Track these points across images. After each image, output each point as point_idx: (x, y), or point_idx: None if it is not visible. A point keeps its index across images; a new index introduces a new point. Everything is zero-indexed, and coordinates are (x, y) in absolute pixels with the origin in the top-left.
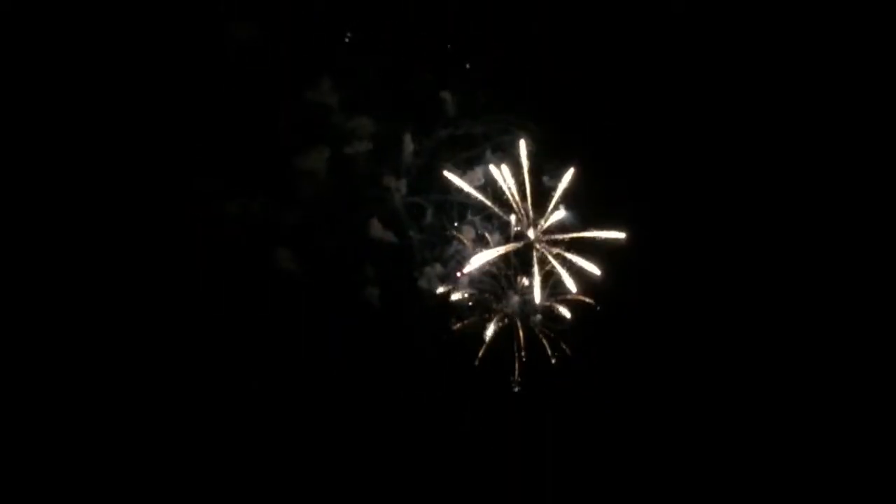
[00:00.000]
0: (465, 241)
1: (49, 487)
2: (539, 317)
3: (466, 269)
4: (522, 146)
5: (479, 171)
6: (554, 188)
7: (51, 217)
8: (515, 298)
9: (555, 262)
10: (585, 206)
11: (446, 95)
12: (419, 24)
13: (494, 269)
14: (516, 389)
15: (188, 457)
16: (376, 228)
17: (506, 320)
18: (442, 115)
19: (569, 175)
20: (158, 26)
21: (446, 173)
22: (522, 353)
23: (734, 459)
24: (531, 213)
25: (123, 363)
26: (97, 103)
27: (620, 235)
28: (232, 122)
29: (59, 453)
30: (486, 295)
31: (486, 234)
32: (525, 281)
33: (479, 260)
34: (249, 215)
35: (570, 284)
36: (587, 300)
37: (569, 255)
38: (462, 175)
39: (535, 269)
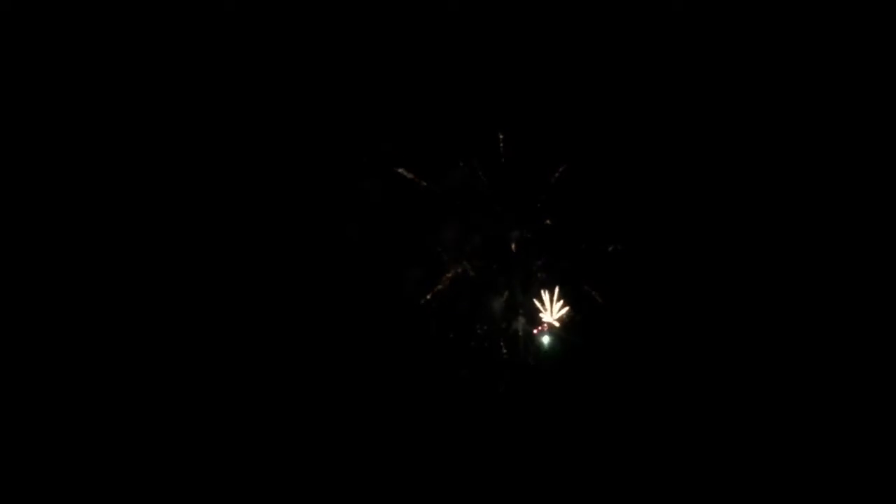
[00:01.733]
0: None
1: (50, 487)
2: (522, 319)
3: None
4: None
5: (457, 170)
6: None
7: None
8: (500, 301)
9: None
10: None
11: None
12: None
13: (471, 272)
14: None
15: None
16: (355, 231)
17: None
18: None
19: None
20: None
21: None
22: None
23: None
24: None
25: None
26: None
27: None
28: None
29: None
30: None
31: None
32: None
33: None
34: None
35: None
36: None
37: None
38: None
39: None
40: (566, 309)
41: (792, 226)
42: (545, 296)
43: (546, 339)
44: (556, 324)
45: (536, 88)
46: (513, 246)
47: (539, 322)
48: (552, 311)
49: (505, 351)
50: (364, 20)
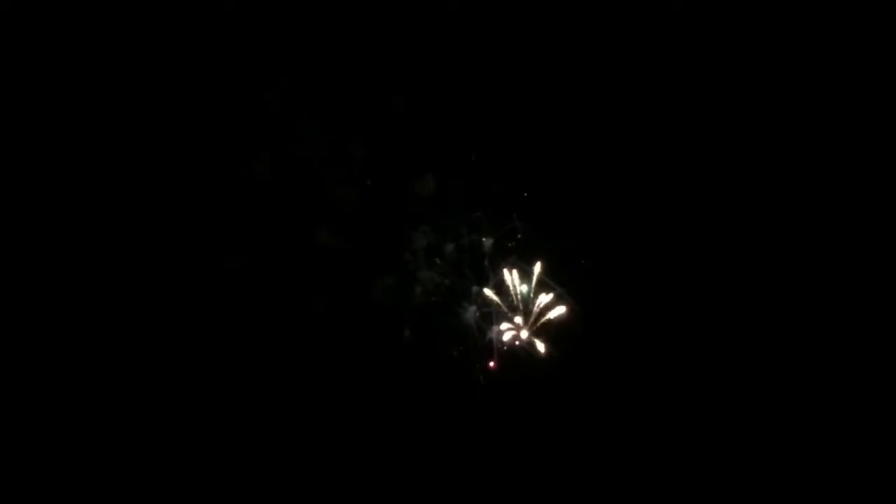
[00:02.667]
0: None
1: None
2: (496, 327)
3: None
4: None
5: (429, 179)
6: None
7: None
8: (473, 308)
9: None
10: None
11: (397, 100)
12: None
13: (447, 282)
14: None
15: None
16: (325, 235)
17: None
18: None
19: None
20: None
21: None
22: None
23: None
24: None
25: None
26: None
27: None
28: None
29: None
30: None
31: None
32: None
33: None
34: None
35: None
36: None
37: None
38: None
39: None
40: (541, 315)
41: (772, 227)
42: (519, 302)
43: (521, 345)
44: (527, 333)
45: (509, 97)
46: (485, 254)
47: (514, 328)
48: (526, 318)
49: (478, 358)
50: (339, 28)
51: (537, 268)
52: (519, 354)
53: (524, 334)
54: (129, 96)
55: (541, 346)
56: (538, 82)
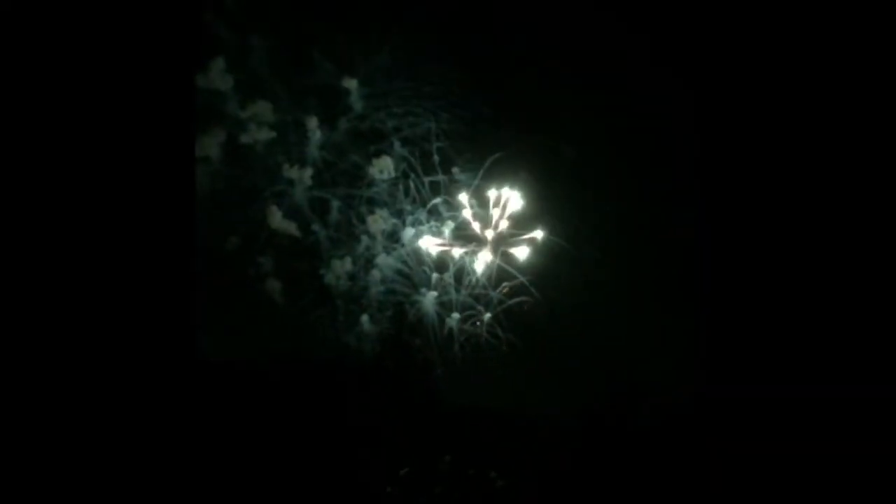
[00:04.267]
0: (377, 235)
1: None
2: (457, 315)
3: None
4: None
5: (388, 162)
6: (463, 181)
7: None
8: (431, 294)
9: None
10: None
11: (350, 84)
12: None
13: (406, 268)
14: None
15: None
16: (276, 219)
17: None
18: (345, 104)
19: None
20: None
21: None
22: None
23: None
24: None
25: None
26: None
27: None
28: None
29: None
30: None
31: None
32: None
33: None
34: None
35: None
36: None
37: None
38: (370, 166)
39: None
40: (502, 302)
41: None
42: (478, 288)
43: (481, 335)
44: (485, 321)
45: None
46: (446, 243)
47: (475, 319)
48: (486, 307)
49: (439, 348)
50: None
51: (496, 254)
52: (479, 343)
53: (485, 320)
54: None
55: (501, 334)
56: (499, 60)
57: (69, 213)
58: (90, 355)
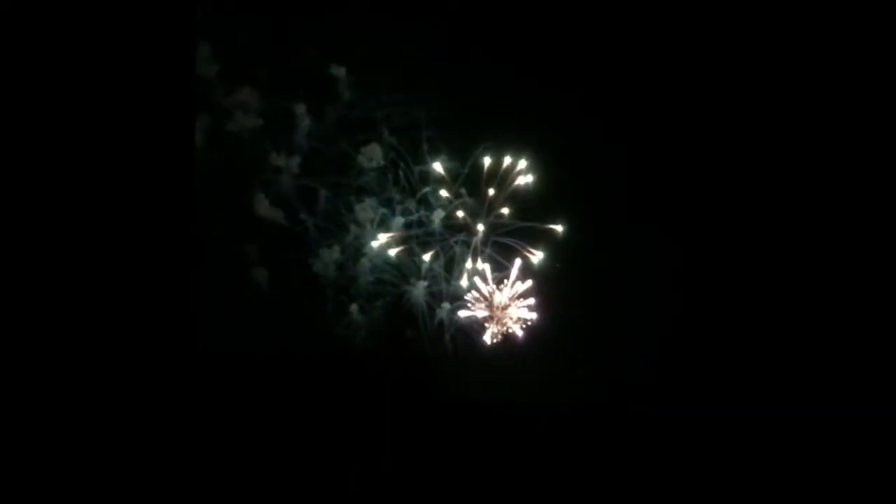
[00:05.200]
0: (366, 224)
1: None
2: (448, 305)
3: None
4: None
5: (377, 150)
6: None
7: None
8: (422, 284)
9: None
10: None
11: (339, 71)
12: None
13: (397, 258)
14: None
15: None
16: (263, 206)
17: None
18: (334, 91)
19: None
20: None
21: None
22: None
23: None
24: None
25: None
26: None
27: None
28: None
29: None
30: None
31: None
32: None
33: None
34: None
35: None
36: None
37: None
38: (358, 154)
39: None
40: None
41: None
42: (474, 281)
43: (471, 324)
44: (479, 309)
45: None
46: (436, 227)
47: (466, 308)
48: (482, 296)
49: (428, 339)
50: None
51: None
52: (469, 333)
53: (475, 312)
54: None
55: (490, 327)
56: (489, 51)
57: (69, 207)
58: (90, 342)
